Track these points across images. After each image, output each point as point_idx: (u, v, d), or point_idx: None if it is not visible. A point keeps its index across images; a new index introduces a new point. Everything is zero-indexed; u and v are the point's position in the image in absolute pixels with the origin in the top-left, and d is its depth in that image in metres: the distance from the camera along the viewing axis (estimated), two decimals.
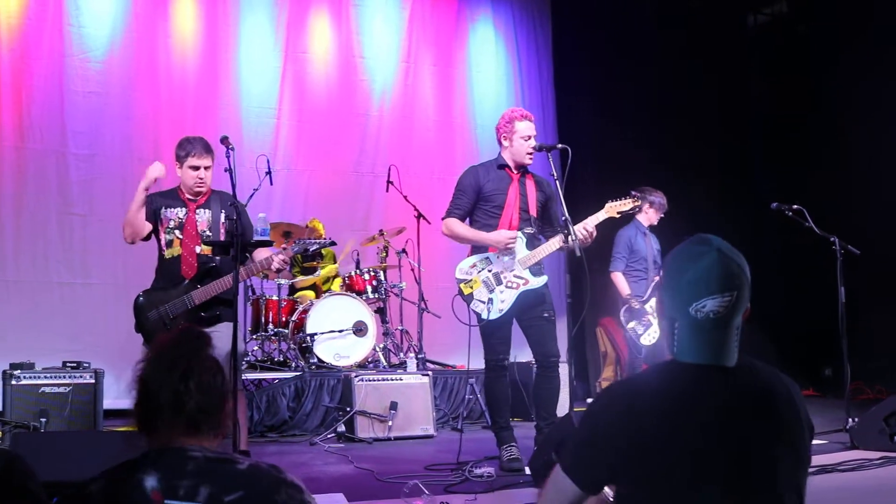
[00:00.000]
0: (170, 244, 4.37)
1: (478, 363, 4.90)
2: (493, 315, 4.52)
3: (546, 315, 4.62)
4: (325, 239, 4.64)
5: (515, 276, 4.56)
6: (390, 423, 5.77)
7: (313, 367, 6.50)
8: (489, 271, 4.58)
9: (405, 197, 7.43)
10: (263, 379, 6.54)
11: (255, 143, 7.91)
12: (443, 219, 4.77)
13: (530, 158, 4.70)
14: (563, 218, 4.42)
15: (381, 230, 7.47)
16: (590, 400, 7.41)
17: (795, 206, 5.98)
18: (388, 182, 7.50)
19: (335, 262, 7.63)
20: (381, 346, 7.03)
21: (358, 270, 7.14)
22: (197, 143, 4.37)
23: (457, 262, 4.70)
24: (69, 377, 5.33)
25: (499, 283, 4.56)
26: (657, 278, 6.05)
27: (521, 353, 5.56)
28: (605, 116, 9.16)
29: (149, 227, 4.39)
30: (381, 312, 7.13)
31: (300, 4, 8.55)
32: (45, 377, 5.27)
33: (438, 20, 9.23)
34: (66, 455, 3.51)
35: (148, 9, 7.82)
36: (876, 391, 7.97)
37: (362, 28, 8.83)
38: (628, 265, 6.30)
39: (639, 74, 9.20)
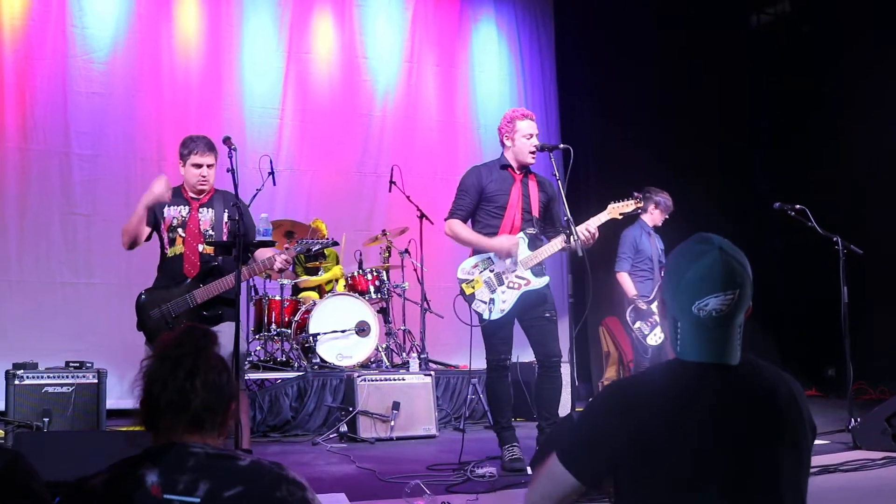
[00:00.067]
0: (172, 242, 4.36)
1: (480, 363, 4.89)
2: (495, 315, 4.51)
3: (548, 315, 4.61)
4: (327, 239, 4.65)
5: (517, 276, 4.56)
6: (392, 423, 5.77)
7: (316, 367, 6.51)
8: (491, 271, 4.58)
9: (408, 197, 7.43)
10: (266, 379, 6.55)
11: (259, 143, 7.93)
12: (445, 220, 4.76)
13: (533, 157, 4.69)
14: (566, 218, 4.41)
15: (383, 230, 7.48)
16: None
17: (798, 206, 5.98)
18: (391, 182, 7.50)
19: (338, 263, 7.64)
20: (384, 346, 7.04)
21: (361, 270, 7.15)
22: (200, 141, 4.38)
23: (459, 263, 4.70)
24: (72, 377, 5.32)
25: (500, 283, 4.56)
26: None
27: (524, 354, 5.55)
28: (606, 116, 9.17)
29: (148, 230, 4.40)
30: (383, 312, 7.13)
31: (303, 5, 8.56)
32: (49, 377, 5.27)
33: (441, 20, 9.23)
34: (69, 455, 3.52)
35: (151, 9, 7.84)
36: (878, 391, 7.95)
37: (365, 28, 8.84)
38: (634, 265, 6.26)
39: (640, 74, 9.20)
